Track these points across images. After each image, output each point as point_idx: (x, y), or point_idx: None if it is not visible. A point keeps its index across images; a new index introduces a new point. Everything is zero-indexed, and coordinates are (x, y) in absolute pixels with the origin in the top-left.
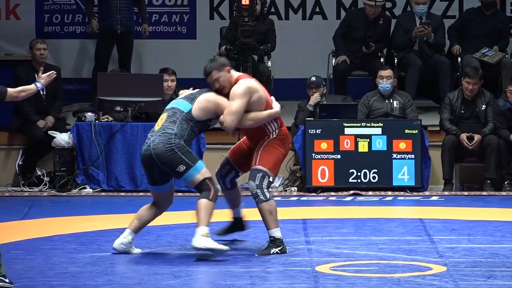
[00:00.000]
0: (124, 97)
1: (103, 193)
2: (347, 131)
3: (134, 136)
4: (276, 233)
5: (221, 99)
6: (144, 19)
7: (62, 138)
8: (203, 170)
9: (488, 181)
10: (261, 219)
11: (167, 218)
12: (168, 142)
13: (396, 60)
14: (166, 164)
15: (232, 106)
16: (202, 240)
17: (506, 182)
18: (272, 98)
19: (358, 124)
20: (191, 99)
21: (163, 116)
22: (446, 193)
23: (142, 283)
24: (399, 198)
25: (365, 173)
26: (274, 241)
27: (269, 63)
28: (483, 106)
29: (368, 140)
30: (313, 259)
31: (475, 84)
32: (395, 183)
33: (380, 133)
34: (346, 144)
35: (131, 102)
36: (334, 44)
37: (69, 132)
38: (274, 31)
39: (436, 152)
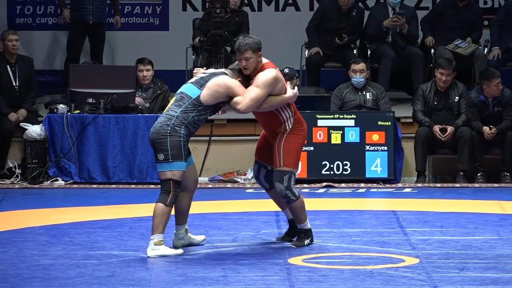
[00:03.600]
0: (96, 89)
1: (75, 185)
2: (320, 123)
3: (107, 128)
4: (308, 225)
5: (232, 83)
6: (116, 11)
7: (34, 130)
8: (176, 171)
9: (461, 173)
10: (292, 215)
11: (140, 210)
12: (165, 124)
13: (369, 52)
14: (153, 145)
15: (254, 93)
16: (155, 249)
17: (479, 174)
18: (288, 83)
19: (331, 116)
20: (200, 84)
21: (171, 101)
22: (419, 185)
23: (115, 275)
24: (372, 190)
25: (338, 165)
26: (306, 233)
27: None
28: (456, 97)
29: (341, 132)
30: (285, 251)
31: (448, 75)
32: (368, 175)
33: (353, 125)
34: (319, 136)
35: (103, 94)
36: (307, 35)
37: (41, 124)
38: (248, 23)
39: (409, 144)
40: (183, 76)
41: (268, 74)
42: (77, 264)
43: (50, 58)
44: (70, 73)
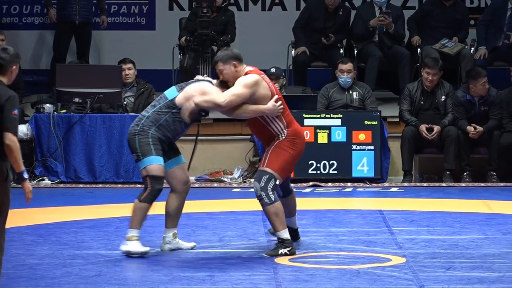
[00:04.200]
0: (82, 89)
1: (61, 185)
2: (307, 122)
3: (93, 127)
4: (284, 234)
5: (211, 88)
6: (102, 10)
7: (21, 130)
8: (150, 167)
9: (448, 172)
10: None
11: (126, 209)
12: (136, 124)
13: (355, 51)
14: (129, 147)
15: (234, 90)
16: (128, 244)
17: (465, 173)
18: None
19: (318, 116)
20: (181, 87)
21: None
22: (406, 184)
23: (101, 275)
24: (359, 189)
25: (324, 164)
26: (283, 242)
27: None
28: (443, 97)
29: (327, 131)
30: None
31: (435, 74)
32: (354, 174)
33: (340, 124)
34: (306, 136)
35: (90, 93)
36: (294, 35)
37: (27, 124)
38: (234, 22)
39: (396, 143)
40: (170, 75)
41: (249, 77)
42: (63, 263)
43: (36, 57)
44: (56, 72)
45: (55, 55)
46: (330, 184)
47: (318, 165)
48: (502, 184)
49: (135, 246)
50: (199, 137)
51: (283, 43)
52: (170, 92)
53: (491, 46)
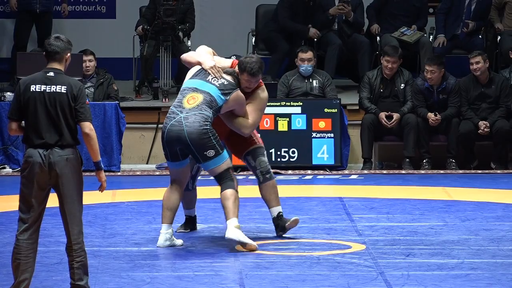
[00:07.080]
0: None
1: None
2: (267, 110)
3: None
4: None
5: (244, 101)
6: None
7: None
8: (228, 160)
9: (407, 159)
10: (267, 196)
11: (86, 198)
12: (204, 123)
13: (315, 40)
14: (196, 145)
15: (257, 117)
16: (236, 232)
17: (424, 161)
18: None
19: (278, 103)
20: (225, 93)
21: (197, 96)
22: (365, 171)
23: (62, 262)
24: (319, 177)
25: (284, 152)
26: (282, 215)
27: (189, 43)
28: (402, 85)
29: (287, 119)
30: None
31: (394, 62)
32: (314, 162)
33: (300, 112)
34: (266, 123)
35: None
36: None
37: None
38: (194, 10)
39: (356, 131)
40: (130, 64)
41: (265, 95)
42: None
43: None
44: (17, 61)
45: (16, 44)
46: (290, 171)
47: (278, 152)
48: (461, 171)
49: (245, 237)
50: (160, 125)
51: (243, 31)
52: (217, 96)
53: (450, 34)
